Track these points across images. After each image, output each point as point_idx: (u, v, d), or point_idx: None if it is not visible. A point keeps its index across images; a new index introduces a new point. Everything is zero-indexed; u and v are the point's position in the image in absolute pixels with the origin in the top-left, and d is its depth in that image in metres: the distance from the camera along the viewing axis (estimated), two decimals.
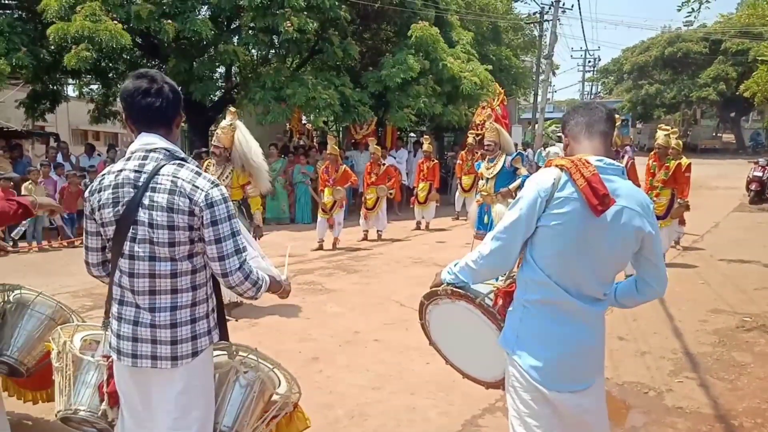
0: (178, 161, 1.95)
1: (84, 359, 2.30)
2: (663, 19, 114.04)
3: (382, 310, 5.85)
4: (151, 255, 1.92)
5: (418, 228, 11.38)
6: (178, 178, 1.90)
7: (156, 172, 1.91)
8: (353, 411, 3.65)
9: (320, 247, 9.13)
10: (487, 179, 6.32)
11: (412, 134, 18.36)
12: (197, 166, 1.99)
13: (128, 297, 1.97)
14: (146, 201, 1.89)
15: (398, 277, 7.25)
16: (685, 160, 7.36)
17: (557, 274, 1.86)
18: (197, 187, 1.90)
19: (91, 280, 2.06)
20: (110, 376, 2.14)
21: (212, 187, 1.92)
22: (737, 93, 17.11)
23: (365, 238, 10.09)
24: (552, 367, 1.88)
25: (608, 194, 1.77)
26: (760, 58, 8.31)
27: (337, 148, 9.44)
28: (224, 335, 2.13)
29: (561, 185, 1.82)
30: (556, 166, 1.86)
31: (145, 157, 1.95)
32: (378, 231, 10.21)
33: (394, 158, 13.83)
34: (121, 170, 1.96)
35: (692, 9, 5.69)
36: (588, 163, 1.82)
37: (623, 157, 6.72)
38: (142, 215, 1.90)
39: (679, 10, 6.12)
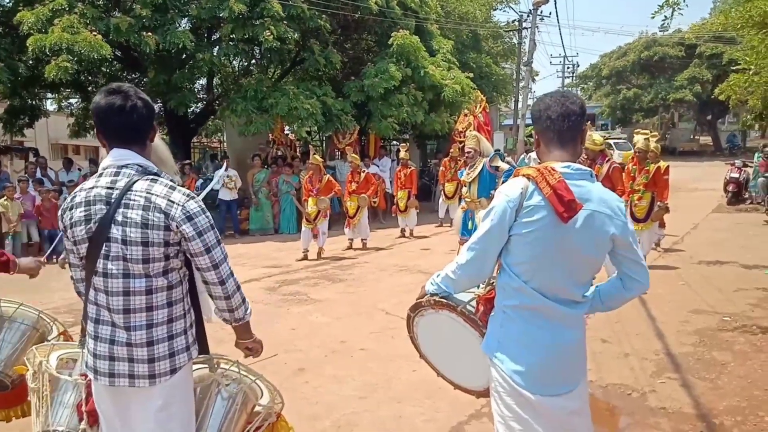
0: (151, 176, 1.94)
1: (61, 379, 2.25)
2: (639, 25, 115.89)
3: (368, 318, 5.85)
4: (125, 272, 1.90)
5: (402, 236, 11.42)
6: (152, 193, 1.88)
7: (128, 188, 1.89)
8: (340, 421, 3.65)
9: (305, 257, 9.11)
10: (469, 184, 6.38)
11: (395, 142, 18.44)
12: (171, 180, 1.98)
13: (104, 315, 1.95)
14: (119, 217, 1.87)
15: (384, 286, 7.26)
16: (663, 164, 7.49)
17: (533, 280, 1.89)
18: (173, 202, 1.88)
19: (72, 296, 2.05)
20: (89, 394, 2.11)
21: (188, 200, 1.91)
22: (713, 96, 17.46)
23: (350, 247, 10.10)
24: (534, 371, 1.90)
25: (574, 200, 1.80)
26: (734, 68, 8.50)
27: (319, 158, 9.46)
28: (204, 349, 2.12)
29: (529, 194, 1.85)
30: (523, 175, 1.90)
31: (117, 173, 1.93)
32: (363, 240, 10.22)
33: (378, 167, 13.87)
34: (92, 187, 1.94)
35: (665, 17, 5.81)
36: (554, 170, 1.85)
37: (608, 161, 6.80)
38: (115, 232, 1.87)
39: (652, 17, 6.27)
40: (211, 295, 2.04)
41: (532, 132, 2.09)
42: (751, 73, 7.50)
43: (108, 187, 1.91)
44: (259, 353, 2.24)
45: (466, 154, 6.54)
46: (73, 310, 6.15)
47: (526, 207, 1.84)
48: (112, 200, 1.89)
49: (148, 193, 1.88)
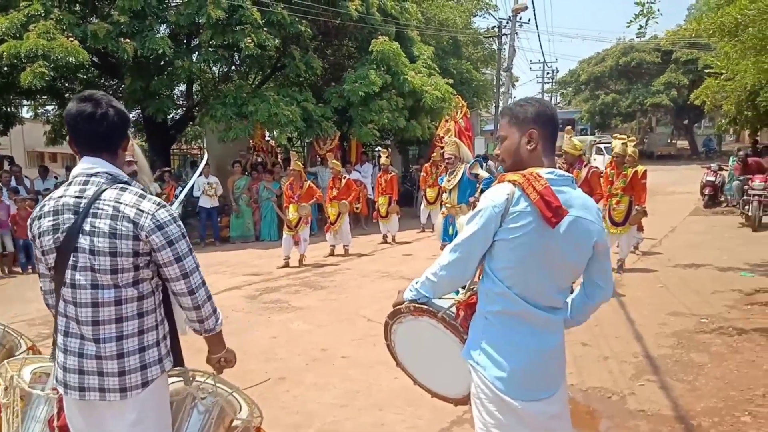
0: (121, 185, 1.90)
1: (33, 393, 2.22)
2: (617, 32, 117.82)
3: (350, 325, 5.83)
4: (93, 283, 1.86)
5: (384, 241, 11.41)
6: (121, 202, 1.85)
7: (97, 197, 1.85)
8: (321, 429, 3.62)
9: (286, 265, 9.06)
10: (449, 191, 6.40)
11: (379, 148, 18.47)
12: (143, 189, 1.94)
13: (73, 327, 1.91)
14: (87, 227, 1.84)
15: (366, 292, 7.24)
16: (641, 168, 7.59)
17: (516, 285, 1.89)
18: (142, 211, 1.85)
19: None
20: (60, 409, 2.07)
21: (159, 209, 1.88)
22: (689, 101, 17.79)
23: (332, 254, 10.06)
24: (516, 377, 1.90)
25: (561, 206, 1.81)
26: (708, 71, 8.67)
27: (300, 164, 9.43)
28: (179, 361, 2.08)
29: (515, 200, 1.85)
30: (509, 181, 1.90)
31: (86, 182, 1.89)
32: (345, 246, 10.19)
33: (359, 173, 13.87)
34: (61, 196, 1.90)
35: (640, 25, 5.90)
36: (539, 176, 1.86)
37: (586, 165, 6.87)
38: (83, 242, 1.84)
39: (628, 26, 6.36)
40: (180, 306, 2.00)
41: (510, 134, 2.00)
42: (724, 78, 7.65)
43: (76, 196, 1.87)
44: (233, 365, 2.19)
45: (446, 161, 6.58)
46: (48, 322, 6.04)
47: (512, 212, 1.84)
48: (80, 209, 1.85)
49: (116, 202, 1.85)
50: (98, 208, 1.84)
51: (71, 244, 1.85)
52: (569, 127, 7.52)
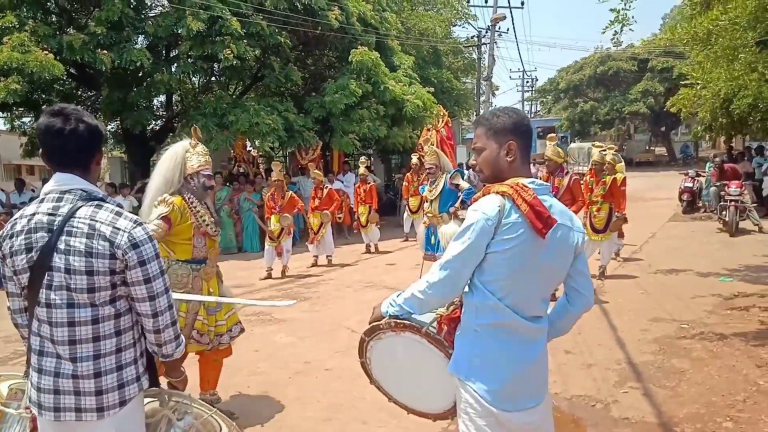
0: (96, 202, 1.87)
1: (7, 413, 2.17)
2: (594, 41, 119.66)
3: (333, 337, 5.78)
4: (69, 302, 1.82)
5: (367, 251, 11.38)
6: (96, 220, 1.82)
7: (71, 214, 1.82)
8: None
9: (269, 276, 8.98)
10: (431, 201, 6.40)
11: (363, 158, 18.47)
12: (119, 206, 1.92)
13: (48, 347, 1.87)
14: (62, 246, 1.80)
15: (349, 303, 7.20)
16: (620, 175, 7.67)
17: (507, 297, 1.88)
18: (118, 229, 1.83)
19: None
20: (34, 428, 2.03)
21: (135, 227, 1.86)
22: (665, 109, 18.09)
23: (315, 264, 10.01)
24: (505, 389, 1.90)
25: (551, 216, 1.83)
26: (683, 83, 8.82)
27: (282, 174, 9.37)
28: (155, 381, 2.05)
29: (507, 212, 1.84)
30: (497, 192, 1.89)
31: (59, 199, 1.86)
32: (327, 256, 10.14)
33: (342, 182, 13.84)
34: (33, 214, 1.86)
35: (615, 31, 5.98)
36: (526, 187, 1.87)
37: (567, 173, 6.89)
38: (58, 261, 1.80)
39: (603, 32, 6.41)
40: (141, 326, 1.96)
41: (489, 143, 1.99)
42: (698, 87, 7.78)
43: (50, 214, 1.84)
44: (182, 388, 2.21)
45: (428, 170, 6.56)
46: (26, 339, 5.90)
47: (505, 224, 1.83)
48: (55, 227, 1.81)
49: (92, 220, 1.82)
50: (73, 226, 1.81)
51: (45, 264, 1.81)
52: (553, 135, 7.56)
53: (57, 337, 1.84)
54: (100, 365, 1.85)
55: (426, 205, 6.73)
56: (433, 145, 7.35)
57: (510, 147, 1.95)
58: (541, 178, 6.90)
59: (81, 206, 1.84)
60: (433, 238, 6.49)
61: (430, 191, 6.47)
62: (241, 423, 3.77)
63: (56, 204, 1.85)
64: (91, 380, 1.84)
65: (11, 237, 1.87)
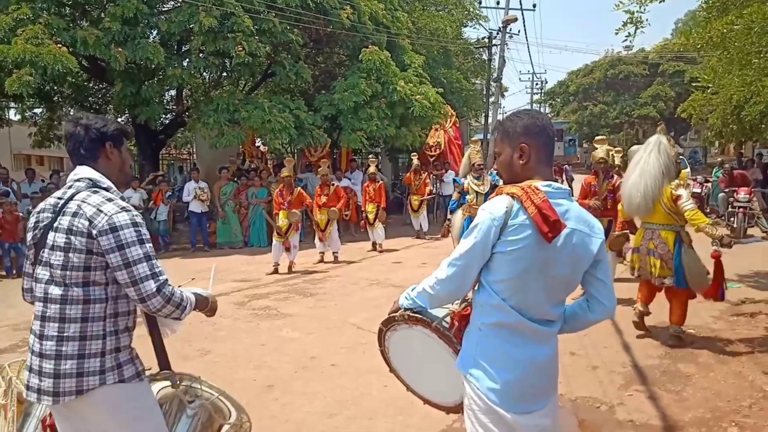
0: (95, 188, 2.01)
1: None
2: (605, 44, 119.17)
3: (339, 333, 5.81)
4: (48, 278, 1.95)
5: (374, 249, 11.40)
6: (85, 202, 1.95)
7: (71, 197, 1.97)
8: None
9: (275, 271, 9.02)
10: (477, 194, 7.36)
11: (372, 156, 18.51)
12: (117, 194, 2.05)
13: (34, 324, 1.99)
14: (56, 224, 1.95)
15: (355, 300, 7.22)
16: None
17: (512, 298, 1.88)
18: (101, 211, 1.92)
19: (32, 312, 2.01)
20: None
21: (119, 212, 1.94)
22: (675, 115, 18.03)
23: (321, 261, 10.04)
24: (510, 390, 1.90)
25: (559, 220, 1.81)
26: (695, 84, 8.80)
27: (291, 170, 9.42)
28: (165, 365, 2.14)
29: (514, 213, 1.84)
30: (507, 194, 1.89)
31: (70, 186, 2.04)
32: (334, 253, 10.17)
33: (350, 180, 13.88)
34: (51, 198, 2.05)
35: (629, 33, 5.98)
36: (537, 189, 1.86)
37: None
38: (50, 238, 1.95)
39: (616, 34, 6.42)
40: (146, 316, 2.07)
41: (508, 145, 2.01)
42: (710, 92, 7.77)
43: (58, 198, 2.02)
44: (213, 312, 2.31)
45: (478, 167, 7.59)
46: None
47: (511, 225, 1.84)
48: (57, 209, 1.98)
49: (83, 201, 1.95)
50: (67, 207, 1.96)
51: (42, 241, 1.97)
52: (603, 137, 7.49)
53: (36, 312, 1.96)
54: (61, 348, 1.89)
55: (470, 197, 7.50)
56: (477, 144, 8.27)
57: (522, 149, 1.96)
58: (585, 181, 6.94)
59: (82, 191, 1.99)
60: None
61: (479, 185, 7.43)
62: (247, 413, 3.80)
63: (66, 190, 2.04)
64: (51, 361, 1.89)
65: (30, 217, 2.08)
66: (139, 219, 1.97)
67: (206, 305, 2.23)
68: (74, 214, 1.92)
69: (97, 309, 1.92)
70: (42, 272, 1.95)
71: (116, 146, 2.13)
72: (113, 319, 1.96)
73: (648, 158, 5.08)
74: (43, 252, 1.95)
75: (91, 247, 1.89)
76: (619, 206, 6.07)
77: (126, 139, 2.19)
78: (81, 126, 2.10)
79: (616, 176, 6.95)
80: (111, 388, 1.93)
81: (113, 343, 1.95)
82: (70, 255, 1.89)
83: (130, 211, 1.96)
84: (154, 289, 1.92)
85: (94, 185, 2.02)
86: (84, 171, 2.05)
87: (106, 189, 2.03)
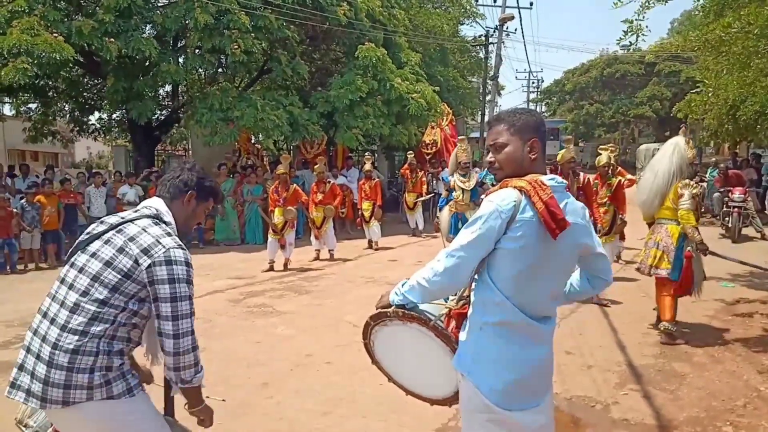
0: (156, 220, 2.06)
1: None
2: (601, 43, 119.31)
3: (334, 331, 5.79)
4: (71, 283, 1.94)
5: (370, 247, 11.39)
6: (146, 231, 1.99)
7: (132, 220, 2.02)
8: None
9: (271, 268, 8.99)
10: (463, 191, 7.45)
11: (368, 153, 18.47)
12: (174, 231, 2.09)
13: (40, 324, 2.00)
14: (106, 237, 1.98)
15: (350, 297, 7.21)
16: (623, 178, 7.67)
17: (515, 295, 1.86)
18: (159, 243, 1.97)
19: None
20: None
21: (176, 248, 1.99)
22: (671, 114, 18.07)
23: (317, 258, 10.01)
24: (510, 389, 1.89)
25: (564, 218, 1.81)
26: (696, 86, 8.84)
27: (287, 167, 9.38)
28: (170, 411, 2.16)
29: (522, 208, 1.82)
30: (515, 187, 1.87)
31: (137, 210, 2.12)
32: (330, 250, 10.15)
33: (346, 177, 13.84)
34: (113, 216, 2.14)
35: (630, 42, 6.01)
36: (544, 185, 1.85)
37: (578, 174, 6.94)
38: (93, 246, 1.98)
39: (618, 43, 6.49)
40: (162, 349, 1.99)
41: (503, 142, 1.99)
42: (707, 92, 7.79)
43: (121, 217, 2.09)
44: (207, 425, 2.17)
45: (465, 165, 7.67)
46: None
47: (519, 220, 1.82)
48: (114, 224, 2.03)
49: (143, 229, 2.00)
50: (125, 227, 2.00)
51: (82, 245, 2.01)
52: (610, 145, 7.86)
53: (49, 311, 1.97)
54: (54, 355, 1.87)
55: (456, 194, 7.61)
56: (464, 143, 8.20)
57: (534, 144, 1.96)
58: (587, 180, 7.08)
59: (144, 218, 2.06)
60: (460, 223, 7.09)
61: (465, 182, 7.51)
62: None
63: (132, 214, 2.10)
64: (45, 366, 1.88)
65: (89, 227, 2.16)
66: (190, 260, 2.02)
67: (200, 402, 2.11)
68: (131, 239, 1.95)
69: (99, 327, 1.90)
70: (70, 275, 1.96)
71: (198, 199, 2.22)
72: (109, 340, 1.93)
73: (662, 158, 5.38)
74: (79, 255, 1.98)
75: (132, 273, 1.92)
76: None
77: (213, 200, 2.30)
78: (187, 170, 2.23)
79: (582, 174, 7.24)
80: (98, 404, 1.91)
81: (104, 362, 1.91)
82: (108, 270, 1.92)
83: (185, 250, 2.02)
84: (189, 329, 1.96)
85: (157, 216, 2.08)
86: (156, 203, 2.14)
87: (166, 224, 2.08)
